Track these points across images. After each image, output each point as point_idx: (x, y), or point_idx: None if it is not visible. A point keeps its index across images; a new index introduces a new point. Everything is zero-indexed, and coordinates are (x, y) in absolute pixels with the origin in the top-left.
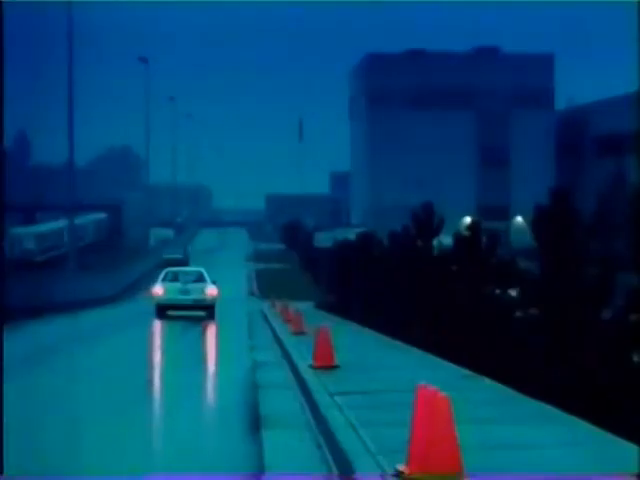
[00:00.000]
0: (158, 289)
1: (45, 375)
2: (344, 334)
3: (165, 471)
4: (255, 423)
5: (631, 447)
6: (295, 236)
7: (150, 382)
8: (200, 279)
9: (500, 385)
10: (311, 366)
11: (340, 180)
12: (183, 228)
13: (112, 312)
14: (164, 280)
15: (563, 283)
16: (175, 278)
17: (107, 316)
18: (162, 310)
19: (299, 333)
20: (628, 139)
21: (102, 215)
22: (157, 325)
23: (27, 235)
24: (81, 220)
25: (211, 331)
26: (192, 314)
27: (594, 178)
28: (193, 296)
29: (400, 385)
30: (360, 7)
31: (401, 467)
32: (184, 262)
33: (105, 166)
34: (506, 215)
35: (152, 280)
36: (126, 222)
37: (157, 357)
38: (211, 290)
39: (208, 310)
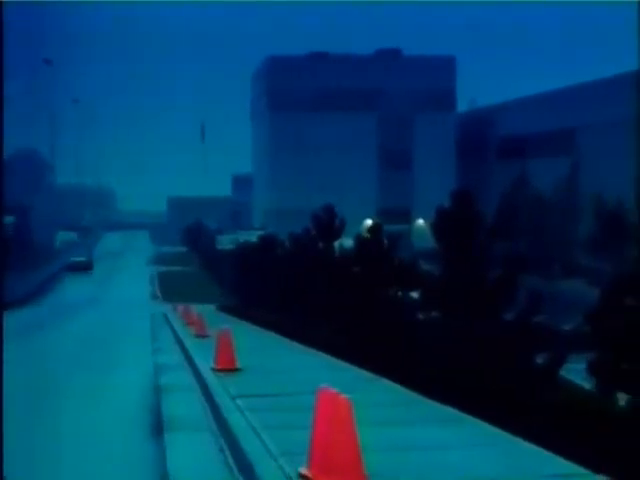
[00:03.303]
0: None
1: None
2: (246, 336)
3: (67, 477)
4: (158, 426)
5: (533, 449)
6: (197, 238)
7: (51, 386)
8: None
9: (402, 387)
10: (213, 369)
11: (242, 182)
12: (88, 231)
13: (18, 315)
14: None
15: (464, 284)
16: None
17: (12, 320)
18: None
19: (201, 336)
20: (529, 140)
21: (9, 218)
22: (63, 328)
23: None
24: None
25: (113, 334)
26: None
27: (496, 180)
28: None
29: (302, 388)
30: (264, 9)
31: (302, 470)
32: (89, 265)
33: (10, 169)
34: (408, 217)
35: (59, 283)
36: (33, 225)
37: (60, 360)
38: None
39: None
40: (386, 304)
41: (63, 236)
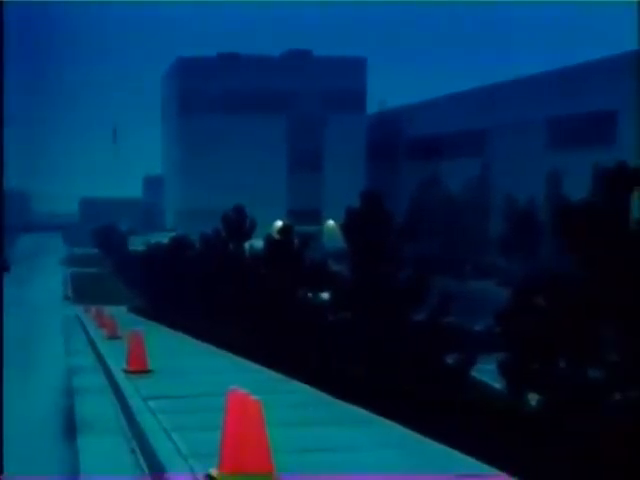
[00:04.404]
0: None
1: None
2: (157, 338)
3: None
4: (71, 429)
5: (443, 449)
6: (109, 240)
7: None
8: None
9: (311, 388)
10: (125, 370)
11: (153, 183)
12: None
13: None
14: None
15: (374, 285)
16: None
17: None
18: None
19: (113, 337)
20: (440, 141)
21: None
22: None
23: None
24: None
25: (27, 336)
26: None
27: (407, 180)
28: None
29: (213, 389)
30: (174, 10)
31: (213, 471)
32: (6, 268)
33: None
34: (318, 218)
35: None
36: None
37: None
38: None
39: None
40: (296, 305)
41: None
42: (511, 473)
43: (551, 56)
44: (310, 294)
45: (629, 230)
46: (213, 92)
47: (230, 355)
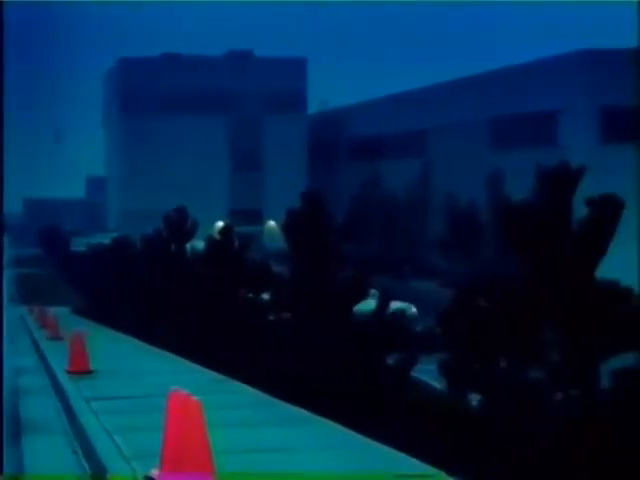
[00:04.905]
0: None
1: None
2: (100, 339)
3: None
4: (15, 429)
5: (384, 449)
6: (52, 240)
7: None
8: None
9: (252, 389)
10: (67, 371)
11: (96, 184)
12: None
13: None
14: None
15: (315, 285)
16: None
17: None
18: None
19: (56, 338)
20: (381, 142)
21: None
22: None
23: None
24: None
25: None
26: None
27: (348, 181)
28: None
29: (155, 390)
30: (114, 10)
31: (154, 472)
32: None
33: None
34: (259, 219)
35: None
36: None
37: None
38: None
39: None
40: (237, 306)
41: None
42: (452, 473)
43: (492, 56)
44: (251, 294)
45: (570, 230)
46: (155, 92)
47: (172, 356)
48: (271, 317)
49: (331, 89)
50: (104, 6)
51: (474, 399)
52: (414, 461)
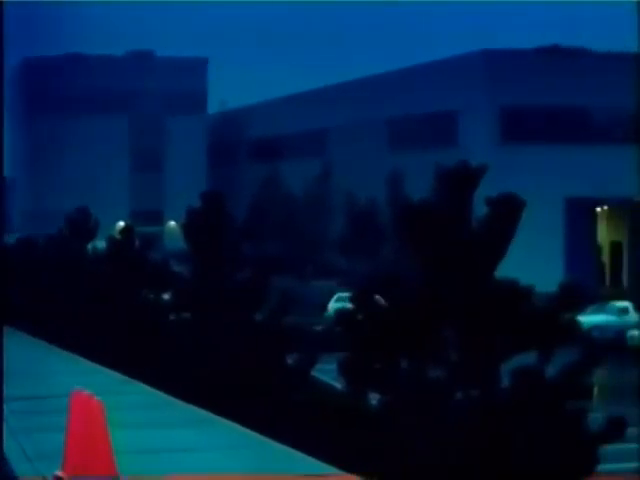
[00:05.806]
0: None
1: None
2: (5, 340)
3: None
4: None
5: (285, 449)
6: None
7: None
8: None
9: (154, 389)
10: None
11: (1, 185)
12: None
13: None
14: None
15: (214, 285)
16: None
17: None
18: None
19: None
20: (281, 142)
21: None
22: None
23: None
24: None
25: None
26: None
27: (248, 181)
28: None
29: (59, 390)
30: (17, 9)
31: (58, 472)
32: None
33: None
34: (160, 219)
35: None
36: None
37: None
38: None
39: None
40: (137, 306)
41: None
42: (352, 472)
43: (391, 56)
44: (151, 295)
45: (470, 230)
46: (58, 92)
47: (76, 357)
48: (171, 317)
49: (231, 89)
50: (7, 5)
51: (374, 398)
52: (314, 461)
